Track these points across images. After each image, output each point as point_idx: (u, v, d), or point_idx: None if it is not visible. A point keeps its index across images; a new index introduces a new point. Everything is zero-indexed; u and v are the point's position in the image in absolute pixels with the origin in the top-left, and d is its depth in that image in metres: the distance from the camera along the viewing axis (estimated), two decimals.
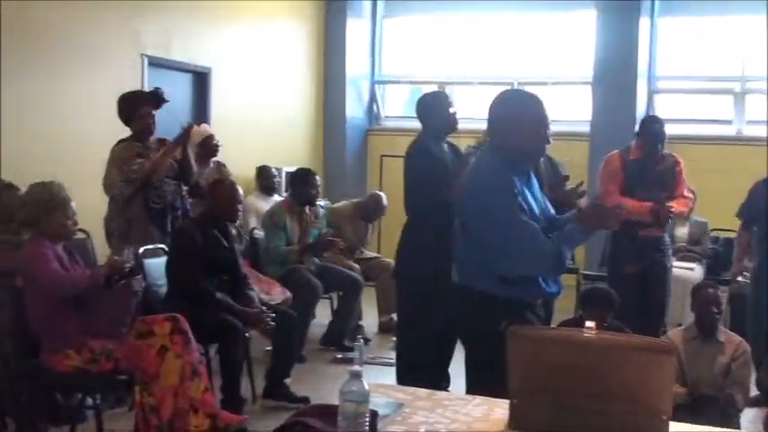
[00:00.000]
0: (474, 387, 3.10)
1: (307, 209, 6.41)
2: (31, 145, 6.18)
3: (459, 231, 3.28)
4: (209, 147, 6.37)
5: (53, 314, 3.87)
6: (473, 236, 3.17)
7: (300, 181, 6.40)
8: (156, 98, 5.26)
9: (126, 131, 5.27)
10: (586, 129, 8.99)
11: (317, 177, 6.52)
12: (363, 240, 7.26)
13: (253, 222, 7.06)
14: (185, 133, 5.17)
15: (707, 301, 4.43)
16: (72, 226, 4.02)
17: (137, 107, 5.17)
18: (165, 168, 5.14)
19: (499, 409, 2.47)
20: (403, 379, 4.59)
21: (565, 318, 4.66)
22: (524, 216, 3.07)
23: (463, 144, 5.00)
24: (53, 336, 3.86)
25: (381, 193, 7.52)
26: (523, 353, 2.28)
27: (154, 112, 5.21)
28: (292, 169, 8.48)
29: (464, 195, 3.24)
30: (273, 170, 7.80)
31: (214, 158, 6.44)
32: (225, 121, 7.82)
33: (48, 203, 3.92)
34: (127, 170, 5.01)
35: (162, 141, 5.26)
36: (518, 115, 3.16)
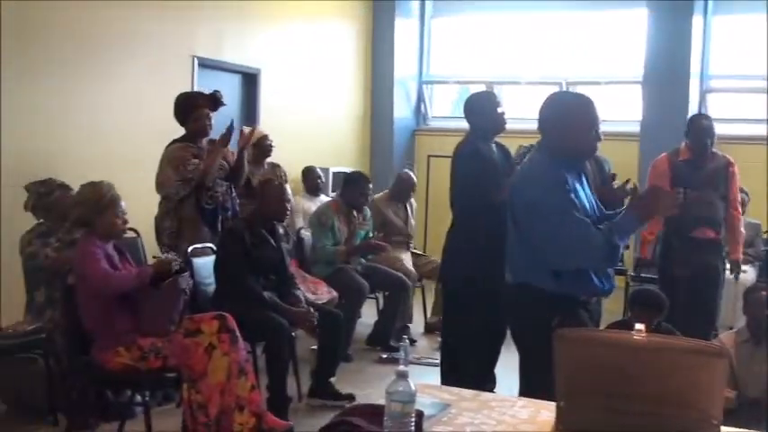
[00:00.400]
0: (528, 386, 3.11)
1: (354, 211, 6.43)
2: (82, 145, 6.28)
3: (512, 229, 3.30)
4: (263, 147, 6.44)
5: (105, 312, 3.92)
6: (525, 232, 3.20)
7: (353, 184, 6.41)
8: (213, 101, 5.31)
9: (176, 132, 5.32)
10: (636, 129, 8.87)
11: (370, 184, 6.52)
12: (407, 221, 7.24)
13: (300, 222, 7.10)
14: (229, 132, 5.20)
15: (759, 304, 4.36)
16: (122, 225, 4.07)
17: (194, 108, 5.21)
18: (217, 169, 5.18)
19: (546, 411, 2.44)
20: (448, 380, 4.57)
21: (613, 320, 4.60)
22: (576, 211, 3.10)
23: (512, 144, 4.96)
24: (105, 333, 3.91)
25: (408, 171, 7.51)
26: (571, 355, 2.25)
27: (210, 114, 5.26)
28: (340, 170, 8.55)
29: (515, 192, 3.28)
30: (318, 171, 7.83)
31: (269, 159, 6.50)
32: (273, 122, 7.86)
33: (98, 203, 3.98)
34: (183, 170, 5.06)
35: (213, 142, 5.31)
36: (568, 116, 3.21)
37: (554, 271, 3.15)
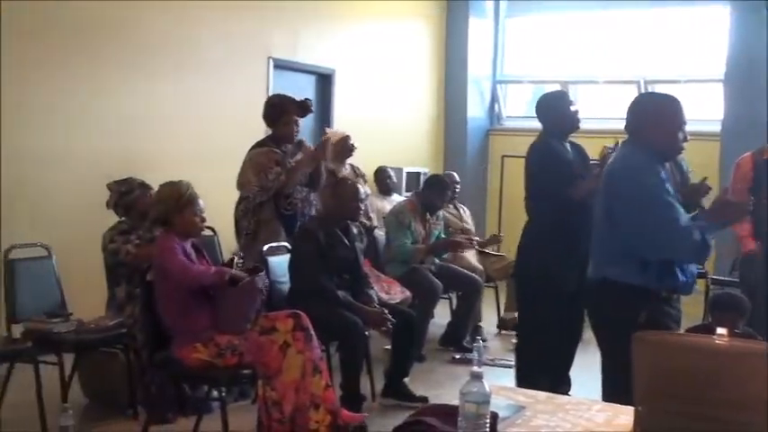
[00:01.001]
0: (612, 387, 3.13)
1: (428, 213, 6.43)
2: (161, 144, 6.42)
3: (601, 222, 3.38)
4: (345, 148, 6.47)
5: (183, 309, 3.98)
6: (619, 224, 3.28)
7: (434, 187, 6.42)
8: (303, 108, 5.36)
9: (253, 131, 5.38)
10: (717, 128, 8.66)
11: (450, 188, 6.50)
12: (462, 220, 7.19)
13: (374, 221, 7.11)
14: (323, 143, 5.24)
15: None
16: (200, 223, 4.14)
17: (283, 113, 5.26)
18: (298, 180, 5.22)
19: (623, 415, 2.41)
20: (522, 381, 4.53)
21: (693, 324, 4.50)
22: (674, 202, 3.22)
23: (589, 144, 4.89)
24: (183, 330, 3.97)
25: (451, 173, 7.46)
26: (650, 358, 2.21)
27: (299, 120, 5.31)
28: (413, 170, 8.56)
29: (611, 184, 3.38)
30: (389, 171, 7.83)
31: (349, 160, 6.55)
32: (347, 122, 7.91)
33: (177, 202, 4.05)
34: (263, 178, 5.10)
35: (300, 144, 5.34)
36: (658, 118, 3.34)
37: (641, 264, 3.23)
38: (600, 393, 3.38)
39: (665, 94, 3.59)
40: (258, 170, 5.11)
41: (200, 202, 4.11)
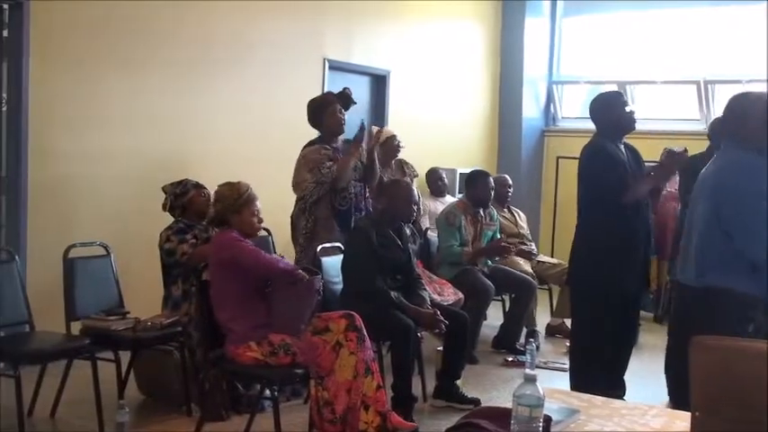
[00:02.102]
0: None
1: (481, 210, 6.40)
2: (218, 145, 6.49)
3: (705, 228, 3.35)
4: (391, 147, 6.49)
5: (240, 307, 4.01)
6: (729, 228, 3.26)
7: (474, 181, 6.40)
8: (344, 98, 5.38)
9: (307, 132, 5.42)
10: None
11: (491, 179, 6.47)
12: (517, 224, 7.13)
13: (426, 223, 7.12)
14: (361, 131, 5.25)
15: None
16: (258, 223, 4.18)
17: (326, 105, 5.30)
18: (350, 170, 5.24)
19: (680, 421, 2.37)
20: (576, 385, 4.49)
21: None
22: None
23: (646, 146, 4.82)
24: (238, 328, 4.00)
25: (503, 175, 7.40)
26: (709, 364, 2.17)
27: (343, 111, 5.33)
28: (467, 170, 8.52)
29: (716, 186, 3.36)
30: (441, 172, 7.81)
31: (396, 158, 6.55)
32: (402, 123, 7.93)
33: (236, 202, 4.08)
34: (318, 173, 5.15)
35: (348, 142, 5.37)
36: (757, 116, 3.38)
37: (754, 272, 3.20)
38: (654, 398, 3.34)
39: (763, 93, 3.61)
40: (312, 167, 5.16)
41: (258, 203, 4.14)
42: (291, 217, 5.31)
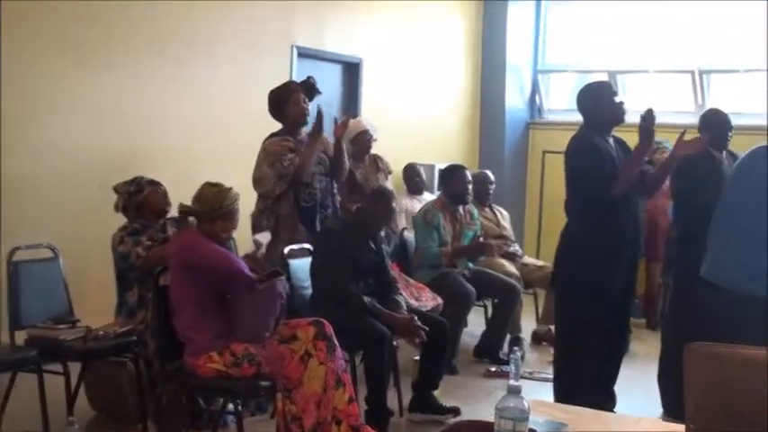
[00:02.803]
0: None
1: (460, 208, 6.41)
2: (177, 138, 6.45)
3: (738, 229, 3.36)
4: (363, 141, 6.49)
5: (201, 314, 4.00)
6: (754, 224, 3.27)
7: (450, 176, 6.41)
8: (308, 88, 5.37)
9: (274, 124, 5.40)
10: None
11: (467, 172, 6.48)
12: (499, 224, 7.15)
13: (402, 223, 7.12)
14: (319, 120, 5.22)
15: None
16: (227, 239, 4.19)
17: (288, 94, 5.28)
18: (313, 162, 5.23)
19: None
20: (563, 397, 4.51)
21: None
22: None
23: (633, 138, 4.84)
24: (197, 336, 3.99)
25: (484, 171, 7.43)
26: (703, 373, 2.19)
27: (307, 101, 5.32)
28: (445, 165, 8.52)
29: (755, 187, 3.34)
30: (419, 168, 7.82)
31: (370, 152, 6.55)
32: (376, 114, 7.91)
33: (215, 212, 4.05)
34: (279, 166, 5.14)
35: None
36: None
37: None
38: (647, 410, 3.36)
39: None
40: (272, 160, 5.15)
41: (238, 216, 4.14)
42: (252, 216, 5.29)
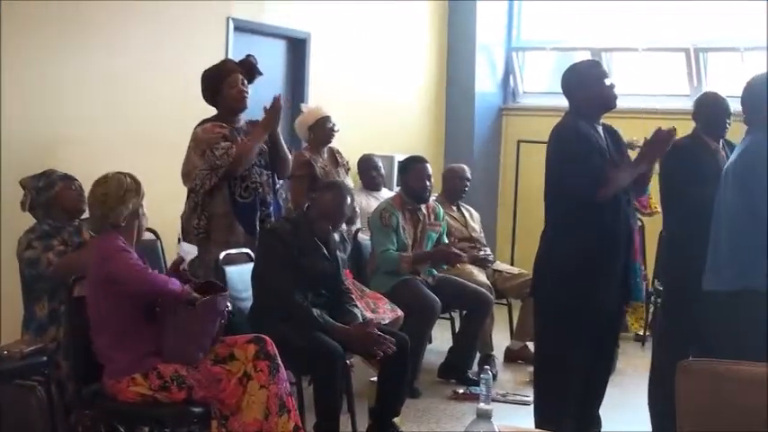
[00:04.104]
0: None
1: (423, 207, 6.44)
2: (93, 125, 6.39)
3: (736, 224, 3.62)
4: (323, 131, 6.47)
5: (123, 330, 3.99)
6: (760, 221, 3.53)
7: (409, 170, 6.44)
8: (247, 68, 5.36)
9: (207, 108, 5.38)
10: None
11: (427, 165, 6.50)
12: (468, 226, 7.18)
13: (357, 224, 7.11)
14: (275, 108, 5.22)
15: None
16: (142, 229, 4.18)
17: (224, 74, 5.26)
18: (254, 153, 5.21)
19: None
20: (542, 421, 4.55)
21: None
22: None
23: (626, 126, 4.91)
24: (120, 357, 3.97)
25: (461, 165, 7.49)
26: (697, 392, 2.23)
27: (246, 83, 5.30)
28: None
29: (746, 177, 3.64)
30: (376, 161, 7.83)
31: (329, 145, 6.55)
32: (326, 99, 7.89)
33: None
34: (210, 156, 5.11)
35: (254, 123, 5.34)
36: None
37: None
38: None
39: None
40: (203, 149, 5.12)
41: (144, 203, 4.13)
42: (182, 216, 5.27)
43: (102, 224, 4.11)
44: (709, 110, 5.14)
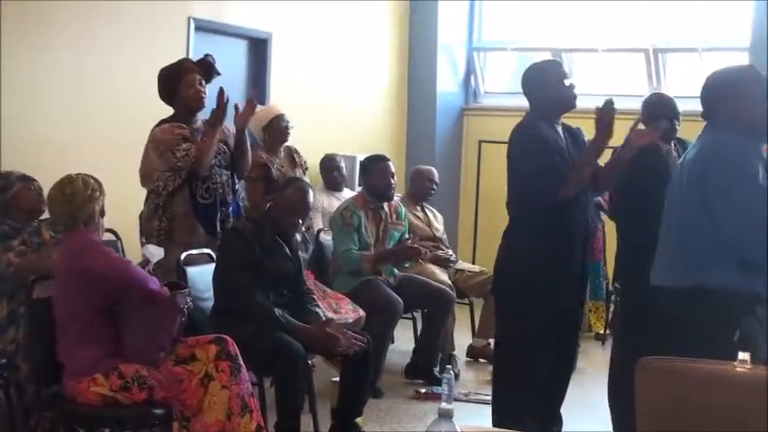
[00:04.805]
0: None
1: (385, 206, 6.43)
2: (45, 127, 6.34)
3: (689, 221, 3.66)
4: (278, 130, 6.44)
5: (86, 329, 3.98)
6: (718, 220, 3.58)
7: (371, 168, 6.44)
8: (205, 67, 5.33)
9: (165, 113, 5.35)
10: None
11: (390, 164, 6.50)
12: (431, 226, 7.20)
13: (319, 223, 7.10)
14: (221, 105, 5.19)
15: None
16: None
17: (181, 75, 5.23)
18: (213, 154, 5.19)
19: None
20: (503, 420, 4.56)
21: None
22: None
23: (587, 126, 4.92)
24: (82, 356, 3.96)
25: (429, 167, 7.49)
26: (658, 391, 2.24)
27: (204, 83, 5.27)
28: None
29: (701, 174, 3.65)
30: (339, 160, 7.82)
31: (286, 144, 6.52)
32: (287, 99, 7.89)
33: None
34: (171, 158, 5.08)
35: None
36: (738, 93, 3.72)
37: (746, 266, 3.54)
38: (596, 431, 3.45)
39: (741, 66, 3.94)
40: (163, 150, 5.08)
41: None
42: (140, 217, 5.24)
43: (70, 223, 4.09)
44: (666, 112, 5.17)
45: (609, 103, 4.48)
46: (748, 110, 3.69)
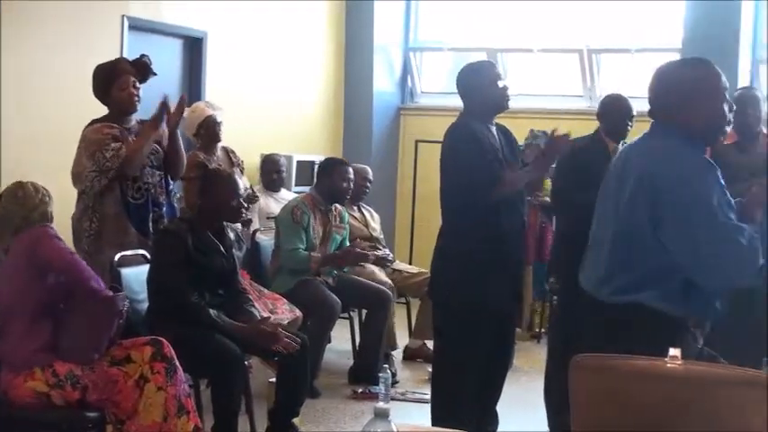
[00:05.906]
0: None
1: (333, 208, 6.43)
2: (7, 125, 6.26)
3: (631, 233, 3.33)
4: (210, 130, 6.39)
5: (30, 324, 3.97)
6: (666, 236, 3.24)
7: (329, 172, 6.44)
8: (140, 68, 5.27)
9: (100, 109, 5.29)
10: None
11: (350, 168, 6.53)
12: (367, 225, 7.21)
13: (255, 223, 7.07)
14: (162, 109, 5.16)
15: None
16: None
17: (115, 76, 5.18)
18: (144, 154, 5.14)
19: None
20: (439, 419, 4.59)
21: None
22: (731, 213, 3.22)
23: (521, 126, 4.98)
24: (21, 349, 3.94)
25: (364, 166, 7.52)
26: (591, 388, 2.26)
27: (138, 84, 5.22)
28: (305, 158, 8.54)
29: (653, 187, 3.29)
30: (280, 160, 7.79)
31: (220, 144, 6.48)
32: (222, 98, 7.82)
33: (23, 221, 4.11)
34: (100, 157, 5.02)
35: (145, 124, 5.27)
36: (692, 89, 3.35)
37: (685, 289, 3.24)
38: (532, 429, 3.45)
39: (697, 59, 3.56)
40: (93, 150, 5.03)
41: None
42: (72, 219, 5.18)
43: (23, 225, 4.11)
44: (613, 111, 5.24)
45: (567, 135, 4.53)
46: (702, 110, 3.35)
